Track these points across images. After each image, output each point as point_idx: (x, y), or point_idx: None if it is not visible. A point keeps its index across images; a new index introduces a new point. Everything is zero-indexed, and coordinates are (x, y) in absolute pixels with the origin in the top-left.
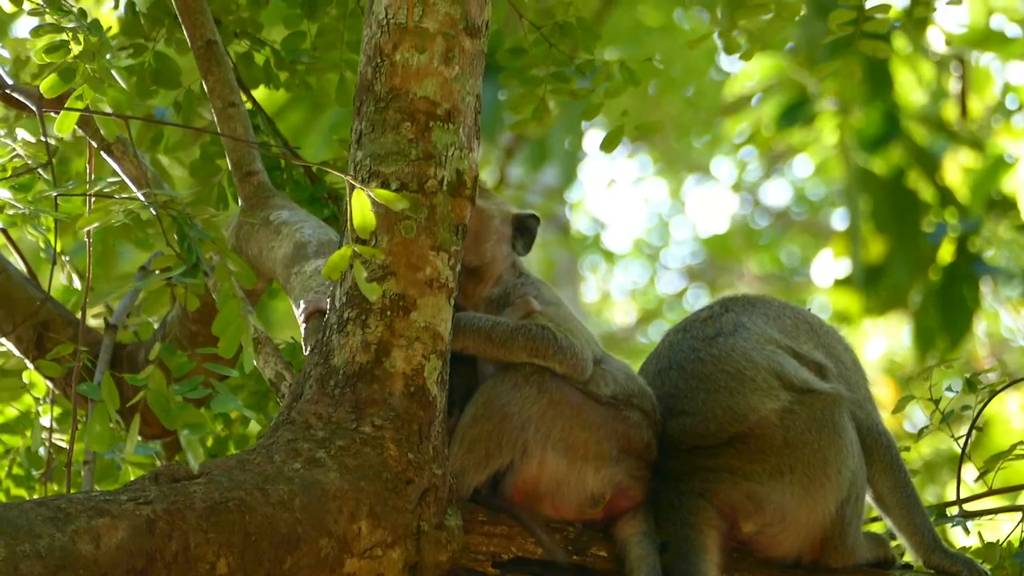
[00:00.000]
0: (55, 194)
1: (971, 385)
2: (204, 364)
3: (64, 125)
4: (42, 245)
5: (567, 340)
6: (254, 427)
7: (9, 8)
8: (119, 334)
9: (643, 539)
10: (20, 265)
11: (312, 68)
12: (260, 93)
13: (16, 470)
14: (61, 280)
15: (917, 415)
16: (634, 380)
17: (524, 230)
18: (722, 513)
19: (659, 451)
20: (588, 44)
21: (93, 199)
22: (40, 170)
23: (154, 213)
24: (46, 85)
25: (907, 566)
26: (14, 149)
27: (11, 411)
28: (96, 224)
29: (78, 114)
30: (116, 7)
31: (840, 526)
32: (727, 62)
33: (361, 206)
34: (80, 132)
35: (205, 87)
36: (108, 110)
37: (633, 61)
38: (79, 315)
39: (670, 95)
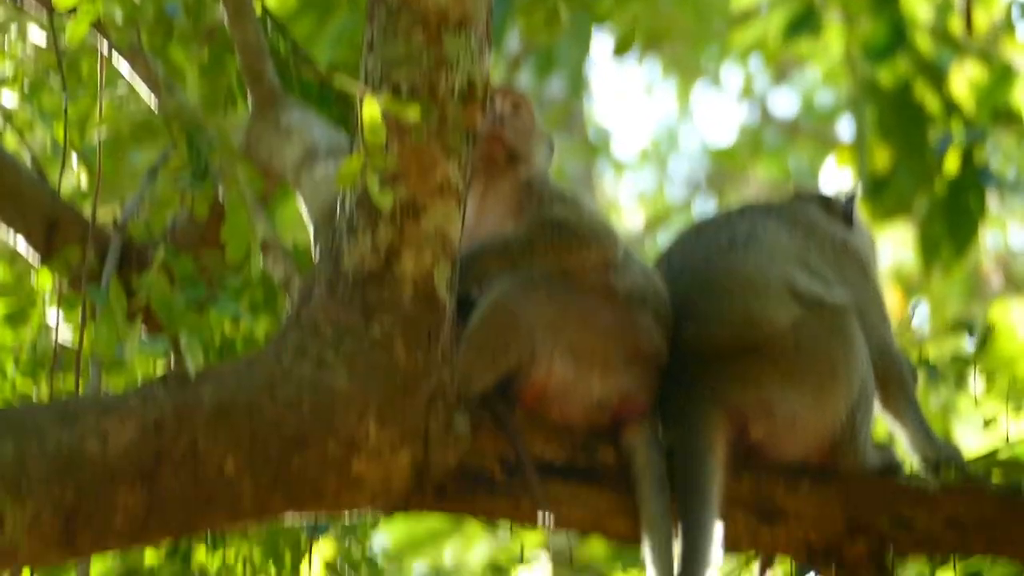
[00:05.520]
0: (64, 100)
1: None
2: (209, 264)
3: (75, 34)
4: (49, 144)
5: (587, 228)
6: (262, 328)
7: None
8: (129, 230)
9: (649, 445)
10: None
11: None
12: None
13: (23, 356)
14: (71, 181)
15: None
16: (650, 279)
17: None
18: (731, 418)
19: (670, 356)
20: None
21: (103, 100)
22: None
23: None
24: None
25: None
26: (24, 52)
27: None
28: (105, 128)
29: (88, 23)
30: None
31: (851, 431)
32: None
33: (372, 116)
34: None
35: None
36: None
37: None
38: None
39: (681, 5)
